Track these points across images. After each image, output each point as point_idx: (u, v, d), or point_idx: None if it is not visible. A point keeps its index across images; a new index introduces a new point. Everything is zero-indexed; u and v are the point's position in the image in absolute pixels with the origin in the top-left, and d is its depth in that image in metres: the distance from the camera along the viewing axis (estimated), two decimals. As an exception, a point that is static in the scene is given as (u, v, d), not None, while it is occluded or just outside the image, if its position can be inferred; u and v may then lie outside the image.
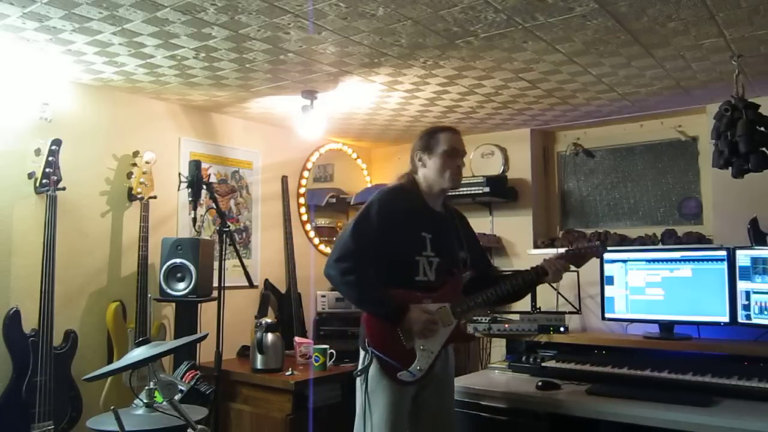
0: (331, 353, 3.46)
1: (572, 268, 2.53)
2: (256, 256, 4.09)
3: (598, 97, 3.43)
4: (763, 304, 2.85)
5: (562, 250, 2.58)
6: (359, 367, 2.34)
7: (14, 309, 2.89)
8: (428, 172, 2.43)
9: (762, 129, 2.72)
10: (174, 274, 3.30)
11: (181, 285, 3.29)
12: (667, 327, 3.16)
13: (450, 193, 3.98)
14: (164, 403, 1.94)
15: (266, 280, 4.08)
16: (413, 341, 2.31)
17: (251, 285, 3.32)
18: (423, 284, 2.37)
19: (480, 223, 4.30)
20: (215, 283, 3.30)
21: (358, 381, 2.34)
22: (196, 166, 3.27)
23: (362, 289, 2.30)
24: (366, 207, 2.36)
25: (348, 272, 2.27)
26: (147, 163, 3.34)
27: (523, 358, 3.22)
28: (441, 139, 2.42)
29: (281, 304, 4.09)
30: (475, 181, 4.06)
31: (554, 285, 3.62)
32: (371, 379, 2.30)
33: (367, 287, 2.30)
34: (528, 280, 2.45)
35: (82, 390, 3.04)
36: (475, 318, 3.55)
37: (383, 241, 2.31)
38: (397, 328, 2.31)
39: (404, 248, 2.35)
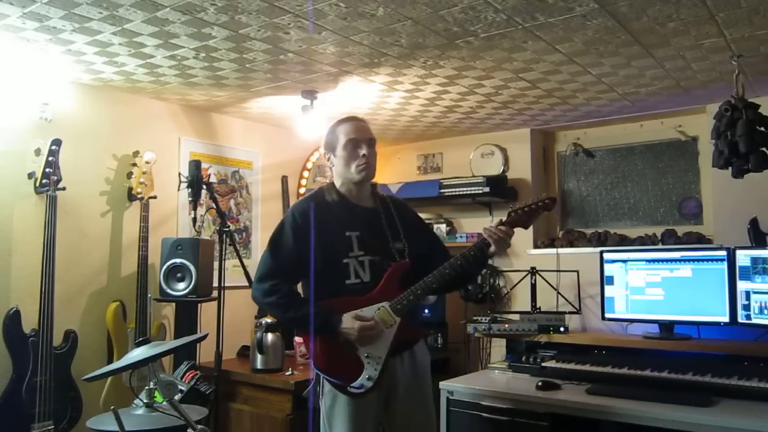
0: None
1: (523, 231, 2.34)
2: (256, 256, 4.09)
3: (598, 97, 3.43)
4: (763, 304, 2.85)
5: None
6: (310, 387, 2.29)
7: (14, 309, 2.89)
8: (338, 169, 2.30)
9: (762, 129, 2.72)
10: (174, 274, 3.30)
11: (181, 285, 3.29)
12: (667, 327, 3.16)
13: (449, 193, 4.09)
14: (164, 403, 1.94)
15: (266, 280, 4.07)
16: (356, 349, 2.16)
17: (251, 285, 3.31)
18: (357, 287, 2.20)
19: (480, 223, 4.29)
20: (215, 283, 3.30)
21: (319, 397, 2.25)
22: (196, 166, 3.28)
23: (286, 308, 2.21)
24: (280, 223, 2.30)
25: (269, 293, 2.21)
26: (147, 163, 3.34)
27: (523, 358, 3.22)
28: (339, 133, 2.28)
29: (281, 304, 4.08)
30: (475, 181, 4.05)
31: (553, 285, 3.63)
32: (327, 396, 2.21)
33: (291, 305, 2.20)
34: (469, 257, 2.20)
35: (82, 390, 3.04)
36: (475, 318, 3.55)
37: (304, 251, 2.20)
38: (338, 340, 2.17)
39: (328, 253, 2.20)
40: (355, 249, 2.22)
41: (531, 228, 4.06)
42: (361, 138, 2.26)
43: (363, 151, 2.24)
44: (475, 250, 2.22)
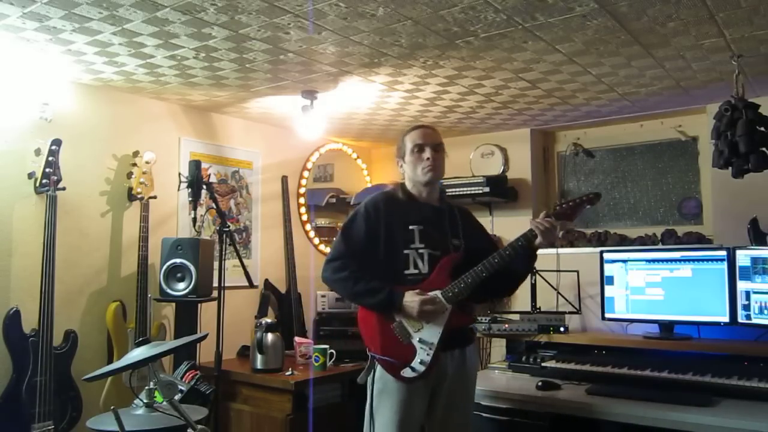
0: (331, 353, 3.46)
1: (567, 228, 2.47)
2: (256, 256, 4.09)
3: (598, 97, 3.43)
4: (763, 304, 2.85)
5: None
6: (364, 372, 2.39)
7: (14, 309, 2.89)
8: (408, 173, 2.50)
9: (762, 129, 2.72)
10: (174, 274, 3.30)
11: (181, 285, 3.29)
12: (667, 327, 3.16)
13: (449, 193, 4.09)
14: (164, 403, 1.94)
15: (266, 280, 4.08)
16: (410, 337, 2.30)
17: (251, 285, 3.32)
18: (415, 278, 2.35)
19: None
20: (215, 283, 3.30)
21: (369, 382, 2.35)
22: (196, 166, 3.27)
23: (354, 283, 2.35)
24: (353, 212, 2.48)
25: (339, 269, 2.38)
26: (147, 163, 3.34)
27: (523, 358, 3.22)
28: (407, 141, 2.48)
29: (281, 304, 4.09)
30: (475, 181, 4.06)
31: (553, 285, 3.63)
32: (378, 381, 2.32)
33: (359, 280, 2.35)
34: (517, 246, 2.32)
35: (82, 390, 3.04)
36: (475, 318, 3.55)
37: (372, 239, 2.38)
38: (392, 324, 2.31)
39: (392, 243, 2.37)
40: (416, 241, 2.38)
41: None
42: (425, 143, 2.44)
43: (427, 154, 2.42)
44: (523, 240, 2.33)
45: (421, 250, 2.37)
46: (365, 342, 2.38)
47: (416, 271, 2.36)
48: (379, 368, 2.32)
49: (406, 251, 2.36)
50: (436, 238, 2.40)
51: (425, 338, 2.29)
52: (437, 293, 2.31)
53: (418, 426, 2.35)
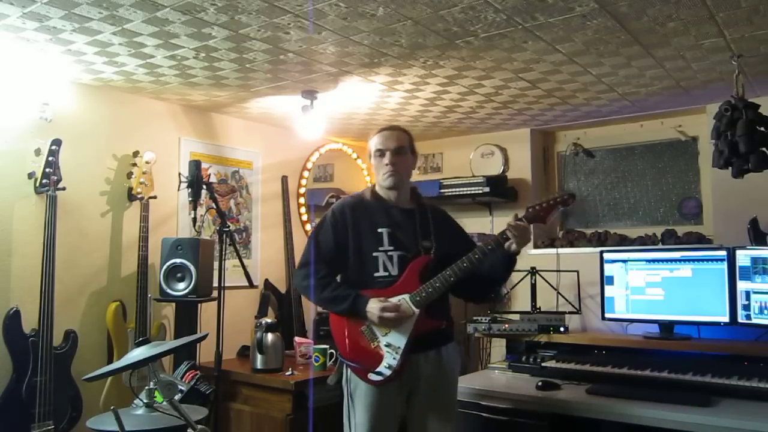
0: (331, 353, 3.45)
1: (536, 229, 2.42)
2: (256, 256, 4.09)
3: (598, 97, 3.43)
4: (763, 304, 2.85)
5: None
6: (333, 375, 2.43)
7: (14, 309, 2.89)
8: (375, 176, 2.50)
9: (762, 129, 2.72)
10: (174, 274, 3.30)
11: (181, 285, 3.29)
12: (667, 327, 3.16)
13: (449, 193, 4.09)
14: (164, 403, 1.94)
15: (266, 280, 4.08)
16: (378, 340, 2.30)
17: (251, 285, 3.32)
18: (385, 280, 2.34)
19: (480, 223, 4.30)
20: (215, 283, 3.30)
21: (343, 384, 2.38)
22: (196, 166, 3.27)
23: (321, 290, 2.37)
24: (322, 218, 2.50)
25: (307, 276, 2.40)
26: (147, 163, 3.34)
27: (523, 358, 3.22)
28: (370, 145, 2.48)
29: (281, 304, 4.09)
30: (475, 181, 4.06)
31: (553, 285, 3.63)
32: (350, 383, 2.34)
33: (325, 287, 2.36)
34: (486, 250, 2.30)
35: (82, 390, 3.04)
36: (475, 318, 3.55)
37: (340, 244, 2.40)
38: (361, 328, 2.31)
39: (361, 247, 2.37)
40: (385, 244, 2.37)
41: (531, 228, 4.10)
42: (385, 148, 2.42)
43: (386, 160, 2.40)
44: (493, 244, 2.31)
45: (390, 253, 2.35)
46: (336, 344, 2.40)
47: (386, 274, 2.34)
48: (349, 371, 2.35)
49: (375, 254, 2.36)
50: (406, 240, 2.38)
51: (392, 342, 2.29)
52: (404, 297, 2.30)
53: (395, 426, 2.34)
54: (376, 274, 2.35)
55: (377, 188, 2.50)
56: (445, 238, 2.44)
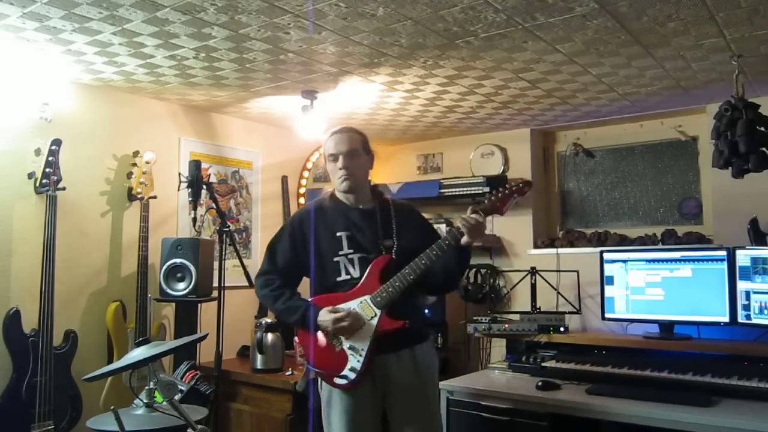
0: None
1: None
2: (256, 256, 4.09)
3: (598, 97, 3.43)
4: (763, 304, 2.85)
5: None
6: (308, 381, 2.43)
7: (14, 309, 2.89)
8: (331, 180, 2.47)
9: (762, 129, 2.72)
10: (174, 274, 3.30)
11: (181, 285, 3.29)
12: (667, 327, 3.16)
13: (449, 193, 4.09)
14: (164, 403, 1.94)
15: (266, 280, 4.08)
16: (341, 343, 2.28)
17: (251, 285, 3.31)
18: (347, 283, 2.32)
19: (480, 223, 4.29)
20: (215, 283, 3.30)
21: (319, 390, 2.39)
22: (196, 166, 3.27)
23: (274, 300, 2.37)
24: (281, 228, 2.53)
25: (263, 286, 2.42)
26: (147, 163, 3.34)
27: (523, 358, 3.22)
28: (324, 149, 2.44)
29: (281, 304, 4.08)
30: (475, 181, 4.05)
31: (553, 285, 3.63)
32: (324, 390, 2.35)
33: (279, 297, 2.36)
34: (443, 245, 2.24)
35: (82, 390, 3.04)
36: (475, 318, 3.55)
37: (299, 252, 2.40)
38: (322, 333, 2.30)
39: (321, 253, 2.36)
40: (345, 248, 2.34)
41: (531, 228, 4.12)
42: (337, 152, 2.37)
43: (339, 164, 2.36)
44: (450, 239, 2.26)
45: (351, 256, 2.33)
46: (303, 350, 2.41)
47: (348, 277, 2.32)
48: (320, 378, 2.36)
49: (335, 259, 2.34)
50: (365, 241, 2.35)
51: (355, 344, 2.27)
52: (365, 299, 2.27)
53: (375, 429, 2.33)
54: (339, 279, 2.33)
55: (336, 192, 2.47)
56: (409, 235, 2.38)
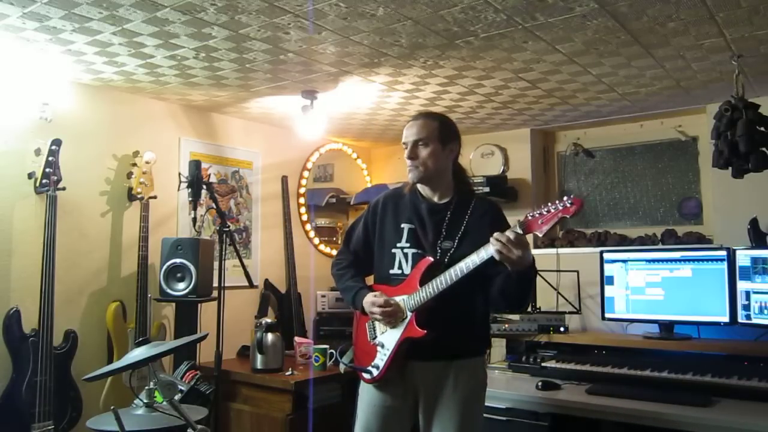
0: (331, 353, 3.45)
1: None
2: (256, 256, 4.09)
3: (598, 97, 3.43)
4: (763, 304, 2.85)
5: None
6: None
7: (14, 309, 2.89)
8: None
9: (762, 129, 2.72)
10: (174, 274, 3.29)
11: (181, 285, 3.29)
12: (667, 327, 3.16)
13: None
14: (164, 403, 1.94)
15: (266, 280, 4.08)
16: (375, 337, 2.25)
17: (251, 285, 3.32)
18: (397, 278, 2.24)
19: (480, 223, 4.29)
20: (215, 283, 3.30)
21: None
22: (196, 166, 3.27)
23: (338, 279, 2.42)
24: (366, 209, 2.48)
25: (334, 265, 2.47)
26: (147, 163, 3.34)
27: (523, 358, 3.22)
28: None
29: (281, 304, 4.09)
30: (475, 181, 4.05)
31: (553, 285, 3.63)
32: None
33: (342, 276, 2.40)
34: (476, 259, 2.02)
35: (82, 390, 3.04)
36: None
37: (368, 238, 2.39)
38: (366, 323, 2.30)
39: (383, 242, 2.32)
40: (403, 240, 2.26)
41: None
42: (406, 141, 2.26)
43: (407, 154, 2.25)
44: (483, 252, 2.01)
45: (406, 250, 2.24)
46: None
47: (399, 272, 2.25)
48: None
49: (393, 250, 2.27)
50: (425, 238, 2.23)
51: (384, 342, 2.21)
52: (403, 298, 2.18)
53: (399, 428, 2.22)
54: (391, 271, 2.26)
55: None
56: (477, 239, 2.08)
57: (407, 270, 2.23)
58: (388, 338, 2.21)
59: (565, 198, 1.95)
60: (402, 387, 2.21)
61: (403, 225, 2.28)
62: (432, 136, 2.23)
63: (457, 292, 2.09)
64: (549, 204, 1.97)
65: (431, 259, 2.18)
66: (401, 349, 2.16)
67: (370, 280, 2.42)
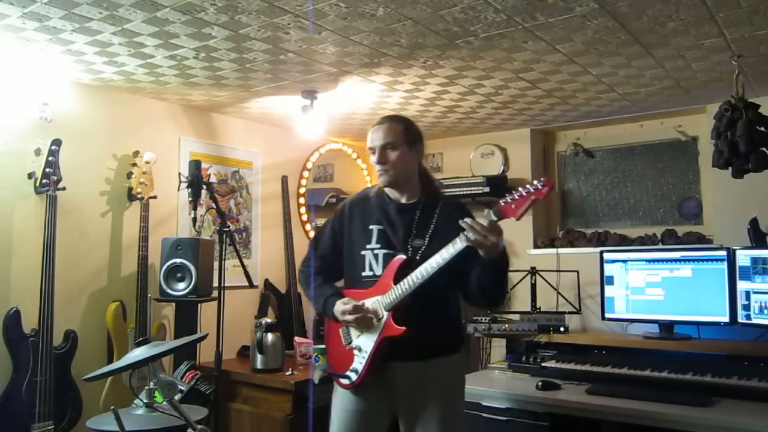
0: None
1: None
2: (256, 256, 4.09)
3: (598, 97, 3.43)
4: (763, 304, 2.85)
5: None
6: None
7: (14, 309, 2.89)
8: None
9: (762, 129, 2.72)
10: (174, 274, 3.30)
11: (181, 285, 3.29)
12: (667, 327, 3.17)
13: (449, 193, 4.09)
14: (164, 403, 1.94)
15: (266, 280, 4.08)
16: (351, 342, 2.22)
17: (251, 285, 3.32)
18: (369, 279, 2.22)
19: (480, 223, 4.29)
20: (215, 283, 3.29)
21: None
22: (196, 166, 3.27)
23: (306, 286, 2.38)
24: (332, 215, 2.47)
25: (300, 271, 2.44)
26: (147, 163, 3.34)
27: (523, 358, 3.22)
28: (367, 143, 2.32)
29: (281, 304, 4.09)
30: (475, 181, 4.06)
31: (553, 285, 3.63)
32: (333, 384, 2.32)
33: (310, 285, 2.35)
34: (452, 249, 2.00)
35: (82, 390, 3.04)
36: (475, 318, 3.55)
37: (336, 242, 2.36)
38: (340, 329, 2.25)
39: (352, 245, 2.30)
40: (373, 242, 2.24)
41: (531, 228, 4.12)
42: (372, 146, 2.27)
43: (374, 158, 2.25)
44: (458, 243, 2.00)
45: (376, 251, 2.22)
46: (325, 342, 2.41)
47: (371, 273, 2.22)
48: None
49: (362, 252, 2.25)
50: (395, 238, 2.22)
51: (361, 345, 2.18)
52: (378, 299, 2.16)
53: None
54: (363, 274, 2.24)
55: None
56: (448, 238, 2.07)
57: (378, 271, 2.21)
58: (364, 341, 2.18)
59: (535, 181, 1.95)
60: (377, 389, 2.18)
61: (371, 227, 2.27)
62: (399, 139, 2.24)
63: (432, 290, 2.09)
64: (520, 188, 1.96)
65: (404, 256, 2.17)
66: (380, 350, 2.14)
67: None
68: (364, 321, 2.15)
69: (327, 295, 2.27)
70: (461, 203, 2.41)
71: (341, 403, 2.24)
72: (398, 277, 2.13)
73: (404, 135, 2.26)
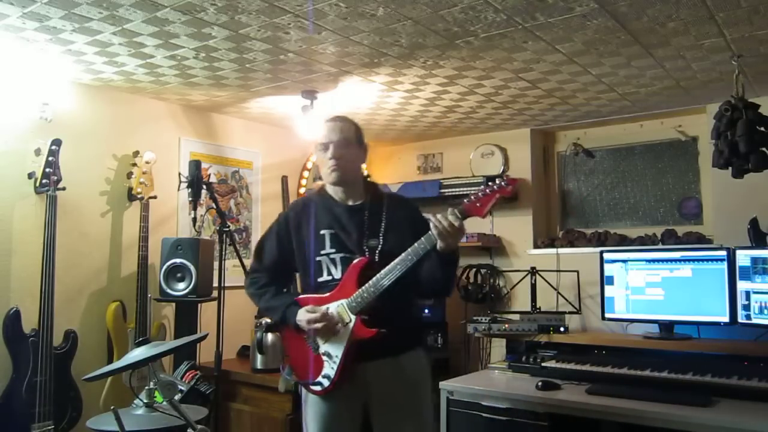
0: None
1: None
2: (256, 256, 4.09)
3: (598, 97, 3.43)
4: (763, 304, 2.85)
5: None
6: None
7: (14, 309, 2.89)
8: (321, 171, 2.33)
9: (762, 129, 2.72)
10: (174, 274, 3.30)
11: (181, 285, 3.29)
12: (667, 327, 3.16)
13: (449, 193, 4.09)
14: (164, 403, 1.94)
15: (266, 280, 4.08)
16: (318, 348, 2.18)
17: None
18: (328, 284, 2.20)
19: (480, 223, 4.29)
20: (215, 283, 3.30)
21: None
22: (196, 166, 3.28)
23: (259, 299, 2.33)
24: (270, 225, 2.41)
25: (249, 285, 2.37)
26: (147, 163, 3.34)
27: (523, 358, 3.22)
28: (317, 138, 2.30)
29: (281, 304, 4.08)
30: (475, 181, 4.06)
31: (553, 285, 3.63)
32: (303, 392, 2.28)
33: (262, 296, 2.31)
34: (419, 251, 2.04)
35: (82, 390, 3.04)
36: (475, 318, 3.55)
37: (284, 250, 2.31)
38: (304, 336, 2.21)
39: (304, 252, 2.26)
40: (327, 247, 2.22)
41: (531, 228, 4.12)
42: (328, 141, 2.23)
43: (329, 154, 2.22)
44: (426, 242, 2.03)
45: (333, 255, 2.20)
46: (286, 352, 2.37)
47: (329, 278, 2.20)
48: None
49: (318, 258, 2.22)
50: (349, 240, 2.20)
51: (330, 351, 2.16)
52: (342, 303, 2.14)
53: None
54: (320, 279, 2.22)
55: (326, 186, 2.33)
56: (399, 235, 2.15)
57: (338, 275, 2.19)
58: (332, 346, 2.16)
59: (498, 180, 2.02)
60: (349, 390, 2.17)
61: (323, 232, 2.24)
62: (352, 137, 2.27)
63: (396, 288, 2.10)
64: (484, 187, 2.03)
65: (365, 258, 2.16)
66: (350, 353, 2.13)
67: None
68: (333, 328, 2.14)
69: (286, 305, 2.23)
70: (404, 197, 2.46)
71: (315, 409, 2.22)
72: (362, 279, 2.13)
73: (356, 135, 2.29)
